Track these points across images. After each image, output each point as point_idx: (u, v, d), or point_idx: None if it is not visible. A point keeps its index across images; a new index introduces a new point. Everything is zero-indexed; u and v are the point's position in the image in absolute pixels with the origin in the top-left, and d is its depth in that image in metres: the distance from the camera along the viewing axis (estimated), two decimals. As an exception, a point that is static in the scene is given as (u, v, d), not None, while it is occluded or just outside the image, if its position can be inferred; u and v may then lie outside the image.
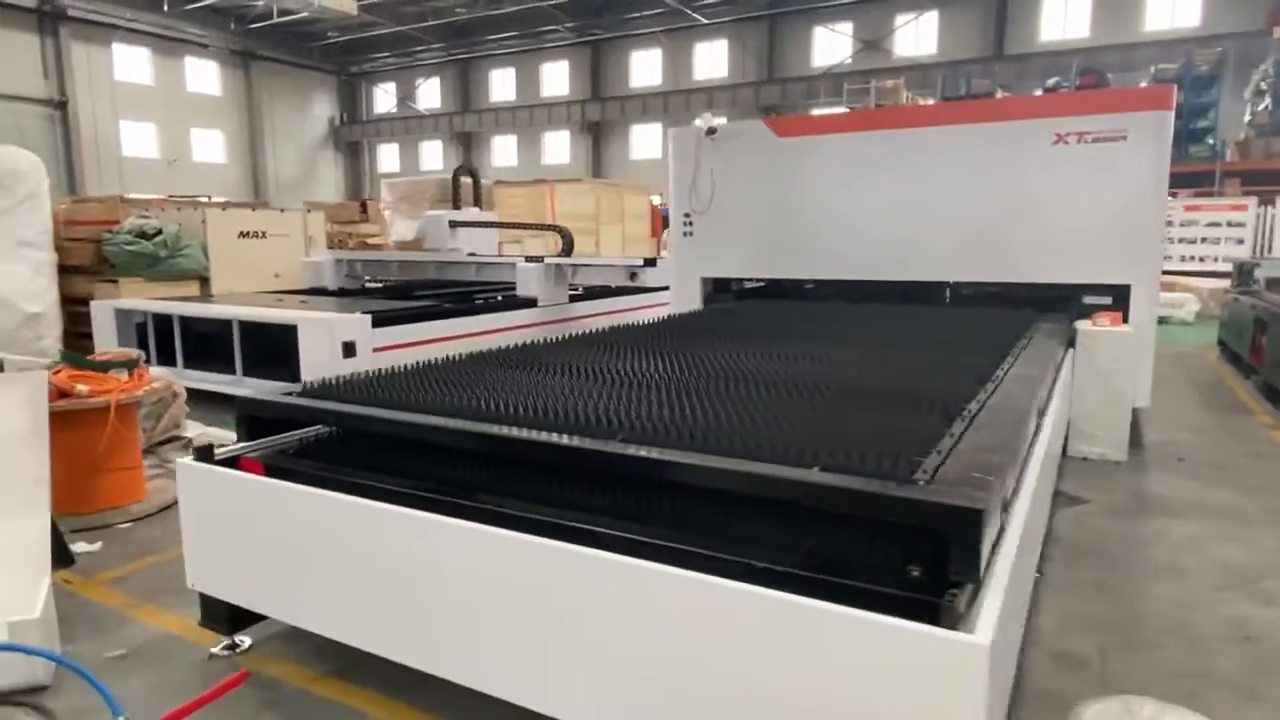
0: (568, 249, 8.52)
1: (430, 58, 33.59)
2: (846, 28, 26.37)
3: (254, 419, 2.85)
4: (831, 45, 26.65)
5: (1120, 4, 22.53)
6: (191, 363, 6.88)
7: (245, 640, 2.80)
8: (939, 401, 2.48)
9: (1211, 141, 19.09)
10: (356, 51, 33.64)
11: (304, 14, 25.66)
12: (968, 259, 5.71)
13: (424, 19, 28.98)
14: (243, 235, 8.97)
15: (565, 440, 2.18)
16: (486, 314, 7.33)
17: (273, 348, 6.29)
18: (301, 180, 33.71)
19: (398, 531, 2.23)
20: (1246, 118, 19.29)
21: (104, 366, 4.12)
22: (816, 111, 23.44)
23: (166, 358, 6.93)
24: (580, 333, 4.28)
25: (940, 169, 5.74)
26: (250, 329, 6.50)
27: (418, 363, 3.24)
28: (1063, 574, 3.42)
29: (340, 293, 8.84)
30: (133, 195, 10.67)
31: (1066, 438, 4.96)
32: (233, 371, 6.57)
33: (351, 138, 36.63)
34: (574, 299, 8.37)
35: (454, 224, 8.86)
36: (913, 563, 1.80)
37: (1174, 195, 14.10)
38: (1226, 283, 11.27)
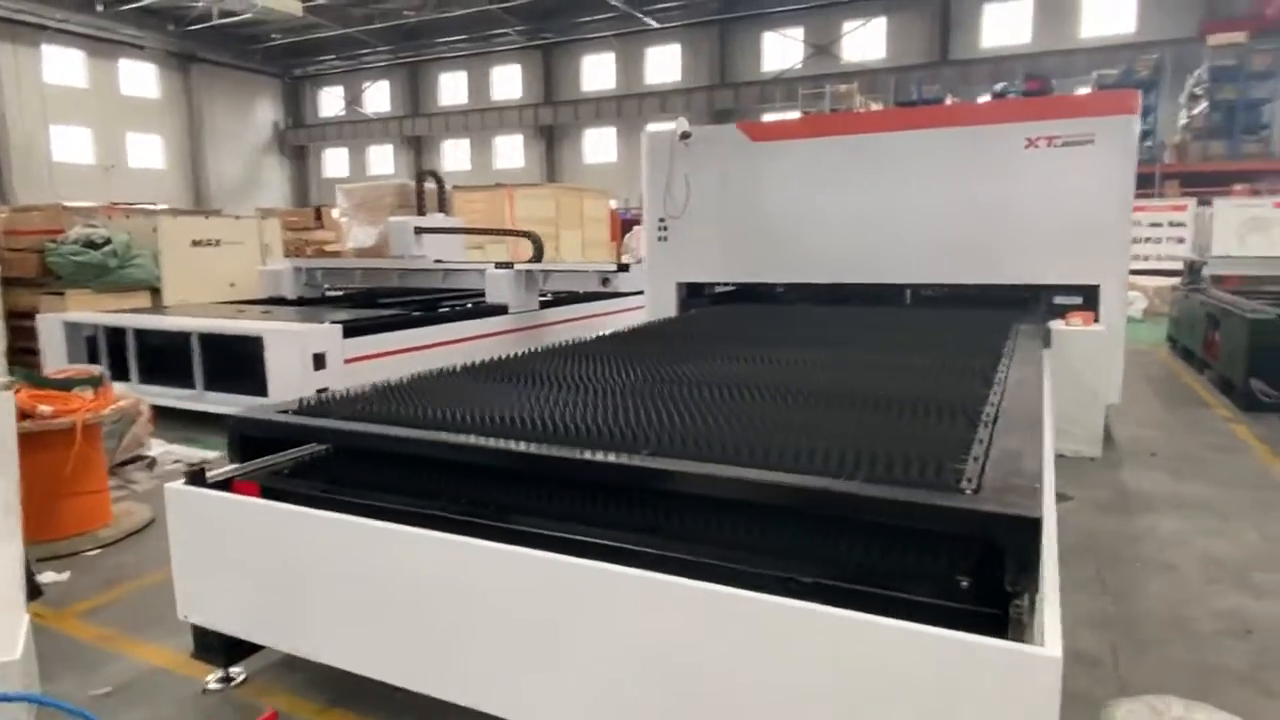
0: (538, 255, 8.39)
1: (378, 61, 32.98)
2: (797, 33, 26.70)
3: (245, 439, 2.71)
4: (782, 50, 26.94)
5: (1059, 11, 23.25)
6: (147, 377, 6.59)
7: (240, 673, 2.65)
8: (958, 406, 2.47)
9: (1150, 144, 19.80)
10: (302, 54, 32.82)
11: (247, 15, 24.92)
12: (944, 262, 5.76)
13: (371, 21, 28.40)
14: (196, 244, 8.67)
15: (602, 457, 2.10)
16: (459, 322, 7.17)
17: (236, 360, 6.05)
18: (245, 185, 32.78)
19: (408, 553, 2.14)
20: (1183, 121, 20.07)
21: (67, 385, 3.89)
22: (768, 116, 23.65)
23: (119, 373, 6.60)
24: (566, 342, 4.21)
25: (915, 173, 5.78)
26: (211, 341, 6.25)
27: (414, 374, 3.13)
28: (1061, 573, 3.43)
29: (301, 302, 8.57)
30: (74, 203, 10.18)
31: (1045, 435, 5.04)
32: (192, 386, 6.31)
33: (297, 141, 35.76)
34: (544, 305, 8.25)
35: (420, 230, 8.66)
36: (957, 573, 1.78)
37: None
38: (1172, 281, 11.67)
